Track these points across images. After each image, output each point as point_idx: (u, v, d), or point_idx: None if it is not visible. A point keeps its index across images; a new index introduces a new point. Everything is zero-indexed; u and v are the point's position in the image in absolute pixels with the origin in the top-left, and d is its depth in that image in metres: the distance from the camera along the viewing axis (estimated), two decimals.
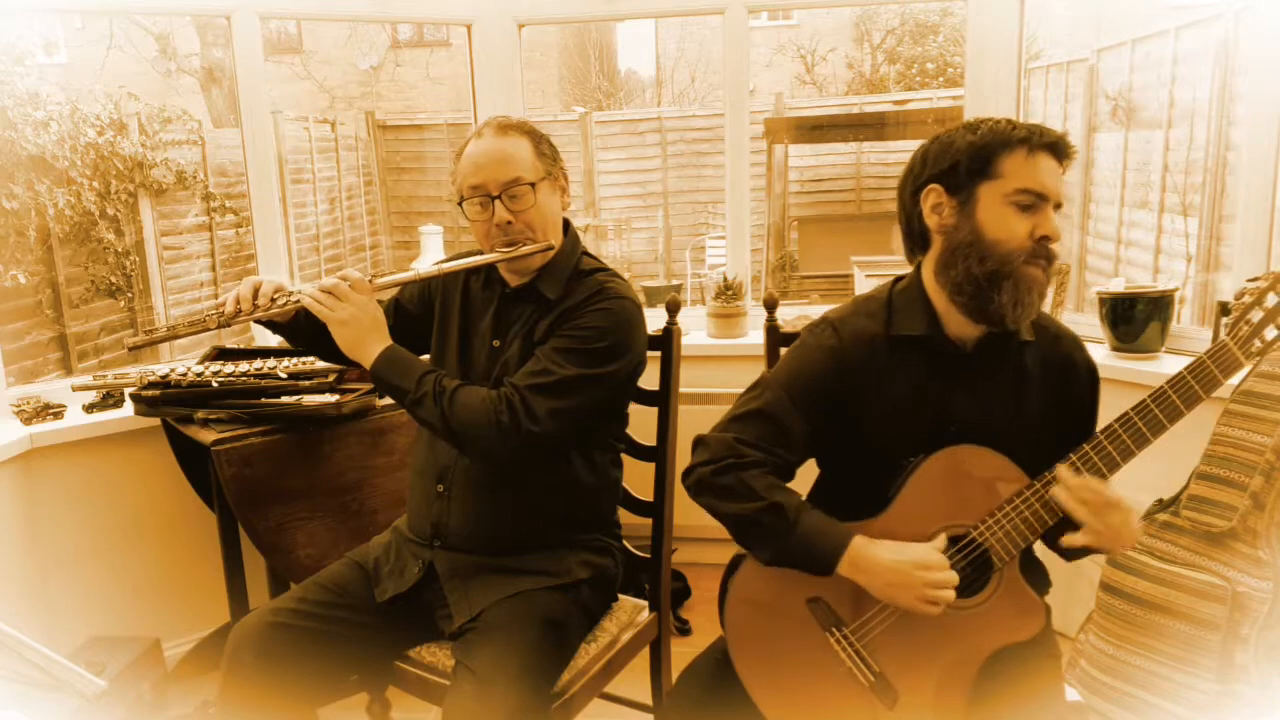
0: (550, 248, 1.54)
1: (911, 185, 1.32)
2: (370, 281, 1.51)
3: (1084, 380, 1.37)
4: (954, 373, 1.32)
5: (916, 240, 1.35)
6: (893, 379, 1.32)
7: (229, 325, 1.52)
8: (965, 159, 1.26)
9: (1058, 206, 1.26)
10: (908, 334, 1.33)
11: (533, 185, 1.51)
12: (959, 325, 1.32)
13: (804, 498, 1.33)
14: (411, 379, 1.48)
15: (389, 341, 1.51)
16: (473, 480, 1.55)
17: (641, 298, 1.59)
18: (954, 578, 1.23)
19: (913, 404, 1.32)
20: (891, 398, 1.32)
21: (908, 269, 1.39)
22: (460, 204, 1.55)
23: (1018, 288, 1.24)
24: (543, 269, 1.56)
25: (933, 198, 1.29)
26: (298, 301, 1.51)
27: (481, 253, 1.57)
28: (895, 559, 1.24)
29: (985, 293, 1.25)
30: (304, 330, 1.61)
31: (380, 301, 1.72)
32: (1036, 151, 1.24)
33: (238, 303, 1.51)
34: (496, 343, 1.58)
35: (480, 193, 1.52)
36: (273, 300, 1.52)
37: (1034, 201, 1.24)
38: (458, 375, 1.61)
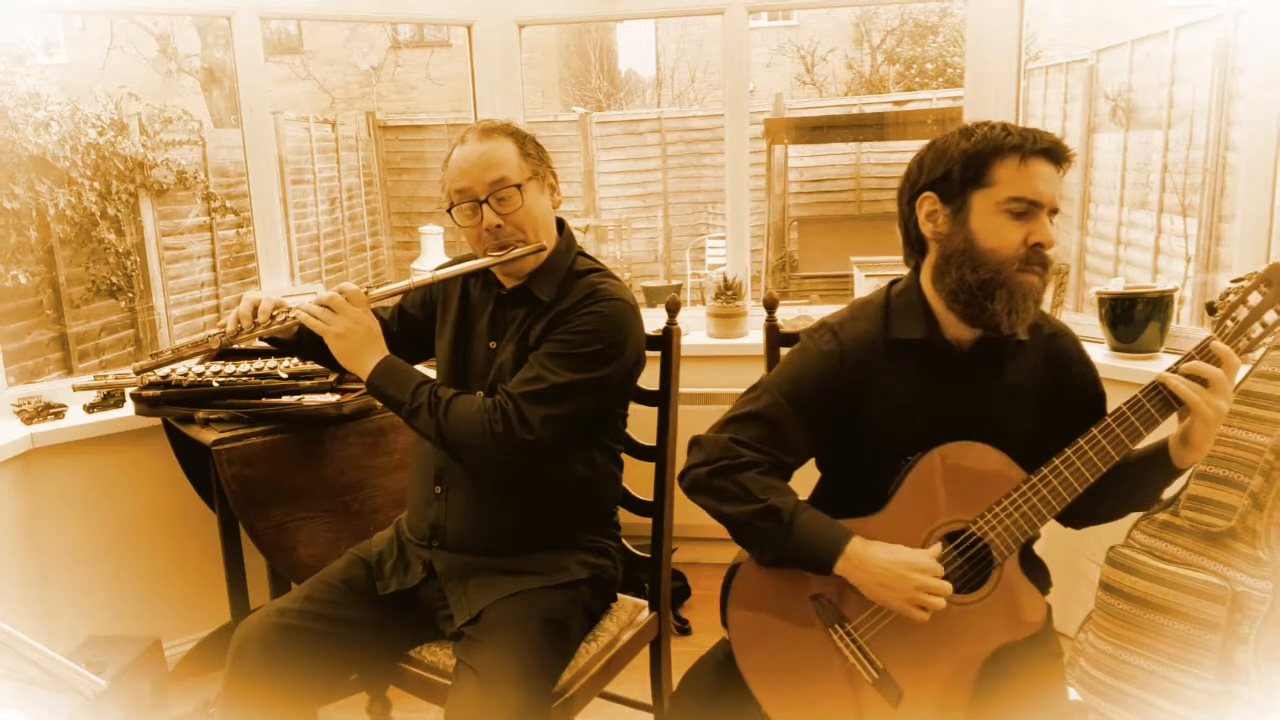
0: (542, 248, 1.54)
1: (908, 192, 1.33)
2: (366, 293, 1.52)
3: (1083, 371, 1.38)
4: (953, 374, 1.33)
5: (914, 245, 1.36)
6: (892, 382, 1.33)
7: (232, 345, 1.53)
8: (958, 167, 1.26)
9: (1053, 212, 1.26)
10: (906, 338, 1.33)
11: (518, 186, 1.51)
12: (956, 328, 1.32)
13: (803, 498, 1.34)
14: (407, 390, 1.49)
15: (385, 352, 1.52)
16: (469, 482, 1.56)
17: (641, 298, 1.59)
18: (947, 587, 1.23)
19: (912, 406, 1.33)
20: (891, 400, 1.33)
21: (906, 269, 1.40)
22: (449, 211, 1.55)
23: (1012, 296, 1.25)
24: (536, 270, 1.56)
25: (927, 205, 1.30)
26: (295, 317, 1.51)
27: (476, 257, 1.57)
28: (890, 559, 1.24)
29: (979, 301, 1.26)
30: (307, 344, 1.62)
31: (384, 309, 1.73)
32: (1030, 158, 1.23)
33: (238, 321, 1.52)
34: (493, 344, 1.59)
35: (467, 197, 1.52)
36: (272, 317, 1.52)
37: (1027, 209, 1.24)
38: (455, 376, 1.61)
